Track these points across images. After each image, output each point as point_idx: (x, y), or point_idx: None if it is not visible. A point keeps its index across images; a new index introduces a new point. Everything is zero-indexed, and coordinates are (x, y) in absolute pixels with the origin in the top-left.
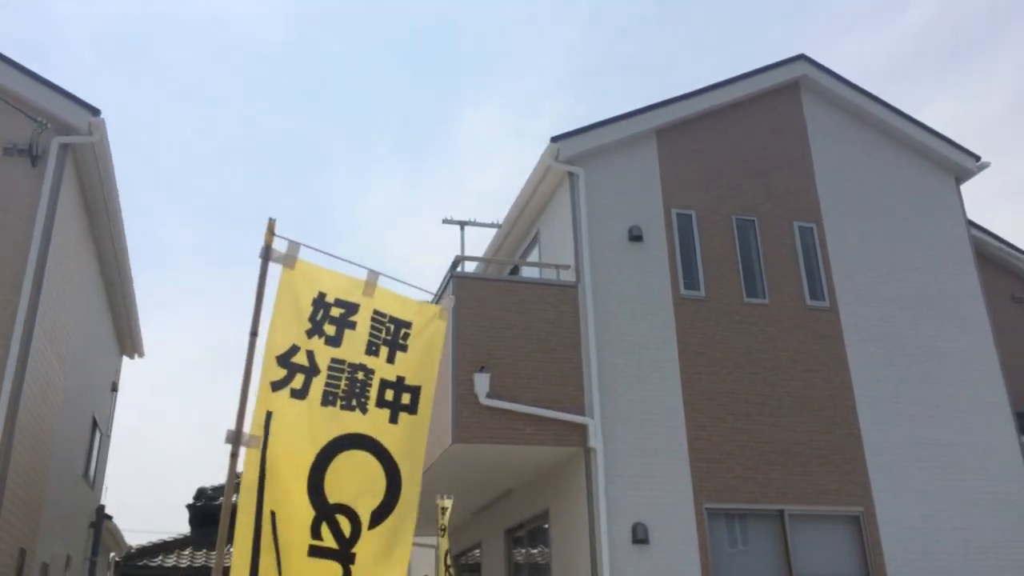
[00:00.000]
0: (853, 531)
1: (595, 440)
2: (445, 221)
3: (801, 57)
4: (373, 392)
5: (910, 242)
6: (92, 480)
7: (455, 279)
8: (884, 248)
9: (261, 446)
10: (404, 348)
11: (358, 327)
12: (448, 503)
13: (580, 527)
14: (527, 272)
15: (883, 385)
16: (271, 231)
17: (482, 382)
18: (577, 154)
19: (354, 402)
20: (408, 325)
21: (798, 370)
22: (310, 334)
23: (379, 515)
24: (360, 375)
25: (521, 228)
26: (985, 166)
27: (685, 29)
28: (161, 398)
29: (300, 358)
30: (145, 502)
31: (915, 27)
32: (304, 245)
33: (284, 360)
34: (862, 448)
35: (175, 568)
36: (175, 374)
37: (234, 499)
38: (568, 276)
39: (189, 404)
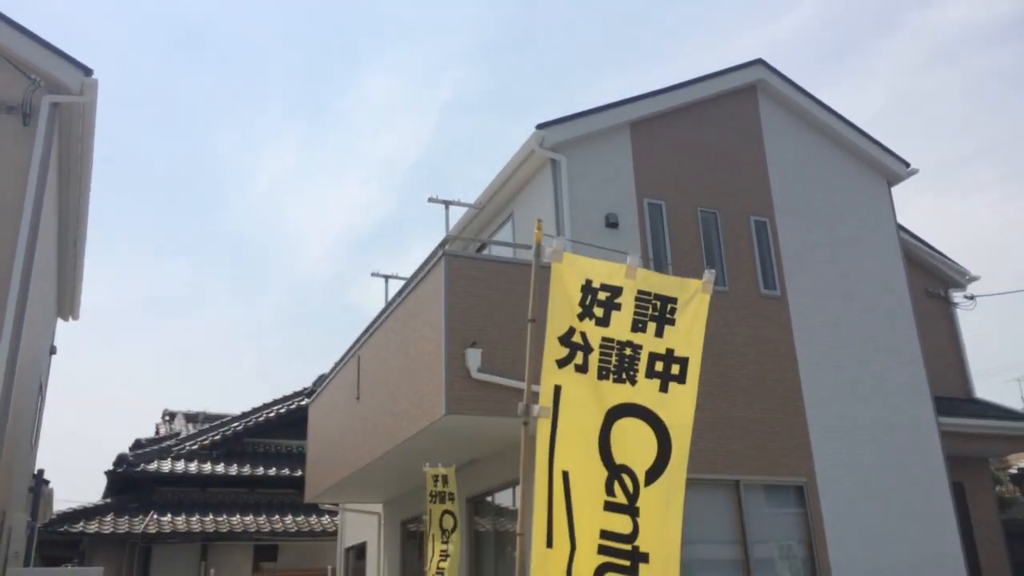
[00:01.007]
0: (798, 499)
1: None
2: (431, 200)
3: (759, 62)
4: (642, 365)
5: (847, 239)
6: (32, 445)
7: (447, 257)
8: (826, 243)
9: (551, 416)
10: (672, 322)
11: (623, 308)
12: (448, 471)
13: None
14: (496, 251)
15: (823, 369)
16: (539, 230)
17: (474, 357)
18: (560, 142)
19: (624, 375)
20: (674, 300)
21: (753, 354)
22: (581, 317)
23: (653, 474)
24: (628, 351)
25: (493, 208)
26: (914, 172)
27: (578, 10)
28: (74, 359)
29: (576, 338)
30: (59, 467)
31: (797, 26)
32: (568, 240)
33: (564, 340)
34: (806, 425)
35: (98, 535)
36: (79, 335)
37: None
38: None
39: (96, 367)
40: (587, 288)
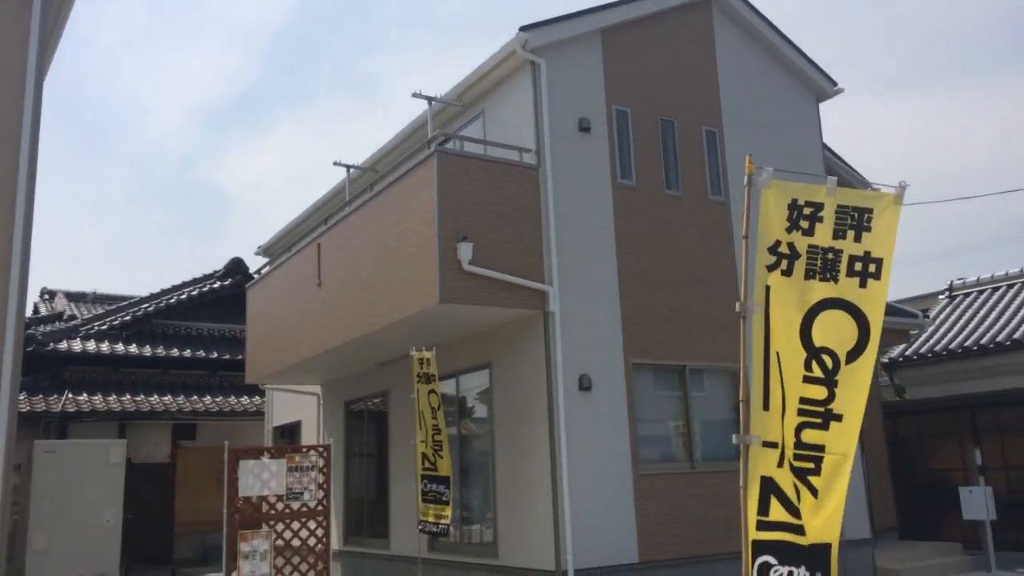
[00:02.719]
0: (732, 383)
1: (554, 305)
2: (415, 95)
3: None
4: (843, 266)
5: (782, 151)
6: None
7: (439, 155)
8: (763, 154)
9: (764, 311)
10: (869, 229)
11: (825, 220)
12: (430, 355)
13: (530, 377)
14: (468, 147)
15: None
16: (751, 163)
17: (466, 250)
18: (539, 45)
19: (828, 275)
20: (870, 210)
21: (702, 255)
22: (788, 230)
23: (853, 354)
24: (830, 256)
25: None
26: (840, 91)
27: None
28: None
29: (783, 248)
30: None
31: None
32: (776, 169)
33: (773, 250)
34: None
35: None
36: None
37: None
38: (528, 159)
39: None
40: (793, 206)
